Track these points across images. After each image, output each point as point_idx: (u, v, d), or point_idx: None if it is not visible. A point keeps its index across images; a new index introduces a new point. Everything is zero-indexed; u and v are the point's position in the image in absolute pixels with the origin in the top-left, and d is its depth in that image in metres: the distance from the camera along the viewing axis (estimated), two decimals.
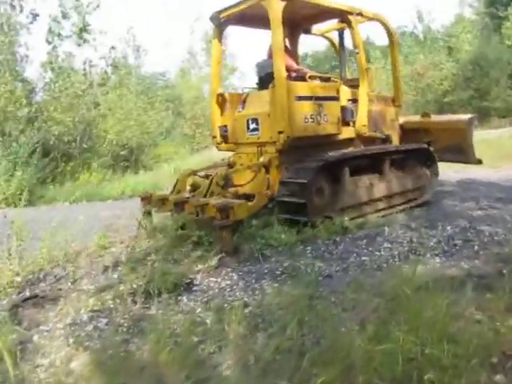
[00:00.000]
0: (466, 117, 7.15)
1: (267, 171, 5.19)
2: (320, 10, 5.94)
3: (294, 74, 5.52)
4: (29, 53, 13.24)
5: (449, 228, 4.73)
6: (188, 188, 5.69)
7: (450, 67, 21.46)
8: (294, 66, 5.81)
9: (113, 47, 16.81)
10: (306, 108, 5.18)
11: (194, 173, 5.82)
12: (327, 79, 5.82)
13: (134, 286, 3.54)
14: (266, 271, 3.78)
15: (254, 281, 3.60)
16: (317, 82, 5.58)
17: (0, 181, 9.14)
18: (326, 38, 7.43)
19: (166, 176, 12.31)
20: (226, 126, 5.98)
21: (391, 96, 7.00)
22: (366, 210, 5.49)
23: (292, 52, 6.51)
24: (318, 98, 5.31)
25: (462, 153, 6.84)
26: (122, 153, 16.08)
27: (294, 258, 4.01)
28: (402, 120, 7.18)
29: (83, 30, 12.53)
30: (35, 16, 13.45)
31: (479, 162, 6.93)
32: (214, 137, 6.13)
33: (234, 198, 5.12)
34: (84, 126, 14.43)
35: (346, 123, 5.71)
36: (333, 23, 6.91)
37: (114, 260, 4.34)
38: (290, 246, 4.38)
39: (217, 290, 3.48)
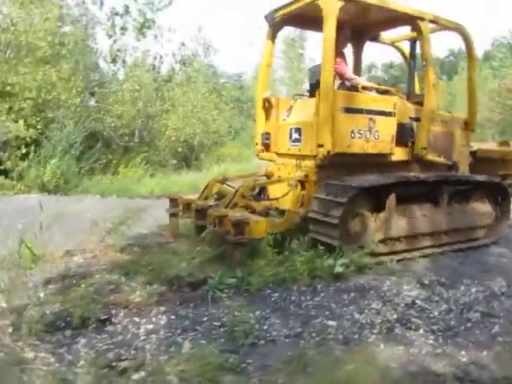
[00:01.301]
0: None
1: (303, 187, 4.75)
2: (387, 15, 5.19)
3: (347, 84, 5.04)
4: (97, 46, 13.52)
5: (474, 290, 3.63)
6: (214, 196, 5.26)
7: None
8: (348, 74, 5.19)
9: (183, 44, 16.81)
10: (354, 122, 4.59)
11: (225, 179, 5.41)
12: (385, 92, 5.19)
13: (48, 311, 3.02)
14: (203, 320, 3.03)
15: (179, 332, 2.86)
16: (370, 94, 4.98)
17: (38, 167, 9.21)
18: (397, 47, 6.63)
19: (211, 178, 11.90)
20: (268, 133, 5.52)
21: (464, 118, 6.03)
22: (410, 245, 4.70)
23: (355, 61, 6.22)
24: (369, 112, 4.69)
25: None
26: (180, 150, 15.97)
27: (249, 307, 3.20)
28: (475, 147, 6.30)
29: (144, 25, 12.44)
30: (115, 14, 13.62)
31: None
32: (256, 144, 5.69)
33: (264, 212, 4.80)
34: (144, 119, 14.50)
35: (402, 143, 5.05)
36: (405, 32, 6.12)
37: (62, 272, 3.86)
38: (258, 287, 3.55)
39: (128, 336, 2.79)
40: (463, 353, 2.62)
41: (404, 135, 5.01)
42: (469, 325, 2.99)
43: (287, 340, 2.76)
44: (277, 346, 2.70)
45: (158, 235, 5.32)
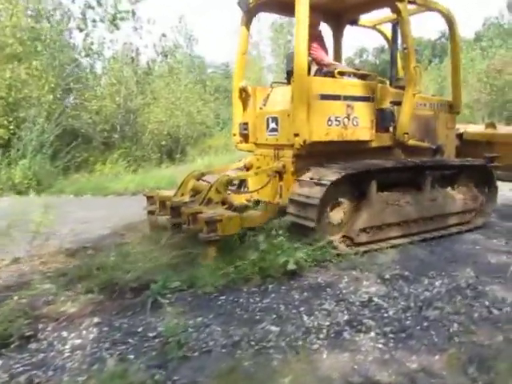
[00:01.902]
0: None
1: (281, 178, 4.67)
2: None
3: (325, 70, 4.87)
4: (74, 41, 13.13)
5: (438, 284, 3.40)
6: (190, 192, 4.98)
7: None
8: (326, 59, 5.05)
9: (163, 35, 16.45)
10: (331, 109, 4.44)
11: (201, 175, 5.11)
12: (363, 76, 5.02)
13: None
14: (138, 330, 2.78)
15: (108, 346, 2.61)
16: (347, 80, 4.81)
17: (8, 168, 8.93)
18: (379, 30, 6.42)
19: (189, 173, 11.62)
20: (246, 123, 5.35)
21: (448, 101, 5.89)
22: (394, 233, 4.62)
23: (335, 46, 6.11)
24: (347, 98, 4.55)
25: None
26: (164, 143, 15.66)
27: (192, 313, 2.97)
28: (462, 129, 6.26)
29: (116, 17, 12.05)
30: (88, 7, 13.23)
31: None
32: (234, 135, 5.53)
33: (242, 206, 4.72)
34: (124, 114, 14.19)
35: (383, 129, 4.88)
36: (386, 14, 5.91)
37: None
38: (205, 290, 3.30)
39: (51, 354, 2.54)
40: (414, 358, 2.38)
41: (384, 121, 4.83)
42: (425, 324, 2.75)
43: (224, 350, 2.52)
44: (211, 357, 2.46)
45: (119, 236, 5.07)
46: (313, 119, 4.32)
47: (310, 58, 4.73)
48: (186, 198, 4.62)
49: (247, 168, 5.35)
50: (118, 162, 11.18)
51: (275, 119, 4.82)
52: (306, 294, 3.23)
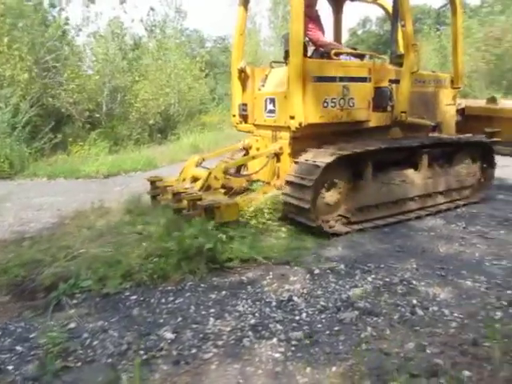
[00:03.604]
0: None
1: (278, 159, 4.75)
2: None
3: (322, 50, 4.86)
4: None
5: (370, 279, 3.17)
6: (190, 178, 5.00)
7: None
8: (322, 40, 4.98)
9: (152, 9, 15.93)
10: (327, 90, 4.43)
11: (201, 160, 5.13)
12: (361, 56, 5.16)
13: None
14: (31, 336, 2.60)
15: None
16: (343, 60, 4.84)
17: None
18: (379, 4, 6.25)
19: (174, 152, 11.37)
20: (246, 104, 5.41)
21: (448, 76, 5.81)
22: (393, 211, 4.70)
23: (335, 22, 6.06)
24: (343, 79, 4.51)
25: None
26: (152, 122, 15.34)
27: (95, 315, 2.78)
28: (463, 104, 6.22)
29: None
30: None
31: None
32: (234, 115, 5.61)
33: (242, 189, 4.79)
34: (108, 92, 13.85)
35: (380, 108, 4.87)
36: None
37: None
38: (117, 289, 3.09)
39: None
40: (308, 370, 2.17)
41: (381, 100, 4.80)
42: (337, 328, 2.52)
43: (109, 360, 2.33)
44: (92, 369, 2.27)
45: (63, 225, 4.88)
46: (308, 101, 4.31)
47: (306, 39, 4.73)
48: (187, 184, 4.71)
49: (246, 149, 5.37)
50: (96, 143, 10.90)
51: (273, 100, 4.83)
52: (224, 292, 3.02)
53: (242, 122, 5.50)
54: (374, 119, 4.82)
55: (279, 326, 2.55)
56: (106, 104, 14.11)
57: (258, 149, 5.16)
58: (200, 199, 4.01)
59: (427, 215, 4.81)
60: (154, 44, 16.72)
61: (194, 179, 4.81)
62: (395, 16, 5.37)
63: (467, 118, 6.11)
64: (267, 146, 4.93)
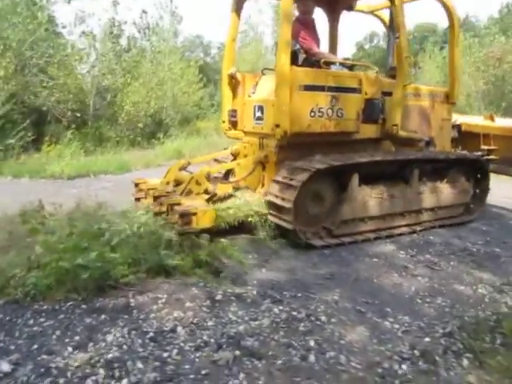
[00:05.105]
0: None
1: (263, 168, 4.68)
2: None
3: (312, 59, 4.76)
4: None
5: (276, 311, 2.78)
6: (172, 182, 4.92)
7: None
8: (314, 48, 4.89)
9: (144, 11, 15.76)
10: (315, 100, 4.37)
11: (187, 164, 5.05)
12: (351, 67, 5.04)
13: None
14: None
15: None
16: (333, 70, 4.75)
17: None
18: (377, 16, 6.29)
19: (155, 157, 11.05)
20: (235, 110, 5.34)
21: (444, 90, 5.73)
22: (375, 225, 4.53)
23: (331, 33, 6.00)
24: (332, 89, 4.45)
25: None
26: (140, 125, 15.05)
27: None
28: (459, 120, 6.15)
29: None
30: None
31: None
32: (223, 122, 5.53)
33: (226, 196, 4.59)
34: (95, 93, 13.61)
35: (371, 120, 4.77)
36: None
37: None
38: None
39: None
40: None
41: (371, 112, 4.72)
42: (204, 372, 2.12)
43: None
44: None
45: None
46: (295, 110, 4.24)
47: (298, 47, 4.68)
48: (169, 188, 4.60)
49: (234, 156, 5.30)
50: (70, 143, 10.59)
51: (261, 108, 4.76)
52: (103, 317, 2.63)
53: (232, 128, 5.41)
54: (363, 131, 4.73)
55: (139, 365, 2.15)
56: (94, 105, 13.87)
57: (245, 155, 5.08)
58: (179, 204, 3.91)
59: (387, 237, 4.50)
60: (147, 46, 16.55)
61: (177, 183, 4.74)
62: (391, 28, 5.28)
63: (464, 135, 6.01)
64: (255, 153, 4.86)
